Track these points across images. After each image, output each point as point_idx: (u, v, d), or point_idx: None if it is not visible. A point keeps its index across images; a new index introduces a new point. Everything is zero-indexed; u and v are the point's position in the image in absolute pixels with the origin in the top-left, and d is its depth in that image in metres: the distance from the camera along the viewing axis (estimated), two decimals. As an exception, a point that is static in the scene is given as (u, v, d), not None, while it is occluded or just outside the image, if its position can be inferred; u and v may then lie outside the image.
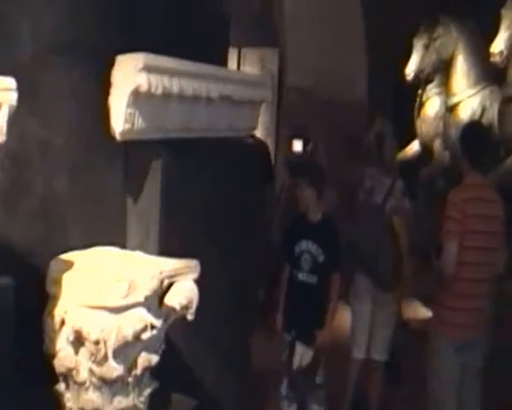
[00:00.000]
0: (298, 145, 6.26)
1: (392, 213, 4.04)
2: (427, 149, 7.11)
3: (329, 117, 6.83)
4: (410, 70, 6.71)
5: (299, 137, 6.33)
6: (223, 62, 3.13)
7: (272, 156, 7.01)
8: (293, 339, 3.79)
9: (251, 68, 8.50)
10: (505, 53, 5.69)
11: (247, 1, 8.45)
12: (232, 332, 2.87)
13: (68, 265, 1.94)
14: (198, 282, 2.07)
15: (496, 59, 5.73)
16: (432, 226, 4.53)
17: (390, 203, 4.03)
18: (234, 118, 2.88)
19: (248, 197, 3.02)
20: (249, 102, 2.99)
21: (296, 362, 3.77)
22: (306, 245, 3.76)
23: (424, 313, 5.51)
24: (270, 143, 7.27)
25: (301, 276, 3.77)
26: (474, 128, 3.88)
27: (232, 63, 8.67)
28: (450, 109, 6.49)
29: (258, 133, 6.14)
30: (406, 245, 4.03)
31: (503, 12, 5.78)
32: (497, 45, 5.69)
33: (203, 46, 2.74)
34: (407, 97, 7.14)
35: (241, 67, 8.75)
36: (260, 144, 5.00)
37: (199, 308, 2.06)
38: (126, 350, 1.86)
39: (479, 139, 3.54)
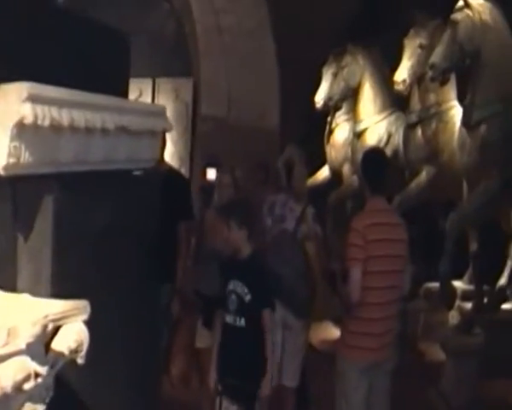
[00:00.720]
0: (212, 174, 6.25)
1: (304, 240, 4.05)
2: (336, 174, 7.27)
3: (242, 145, 6.87)
4: (320, 98, 6.87)
5: (213, 165, 6.32)
6: (123, 92, 3.05)
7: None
8: (221, 393, 3.49)
9: (165, 98, 8.48)
10: (408, 81, 5.86)
11: (160, 31, 8.48)
12: (135, 376, 2.73)
13: None
14: (93, 324, 1.97)
15: (399, 87, 5.91)
16: (339, 251, 4.58)
17: (302, 230, 4.04)
18: (132, 149, 2.78)
19: (149, 234, 2.92)
20: (149, 133, 2.92)
21: None
22: (233, 285, 3.49)
23: (334, 333, 5.52)
24: (183, 172, 7.22)
25: (228, 318, 3.50)
26: (372, 154, 3.94)
27: (147, 93, 8.66)
28: (358, 135, 6.67)
29: (172, 164, 6.07)
30: (319, 271, 4.05)
31: (406, 41, 5.98)
32: (400, 74, 5.87)
33: (100, 76, 2.66)
34: (320, 125, 7.28)
35: (156, 97, 8.74)
36: (176, 176, 4.73)
37: (95, 352, 1.95)
38: (7, 403, 1.72)
39: (377, 165, 3.61)
